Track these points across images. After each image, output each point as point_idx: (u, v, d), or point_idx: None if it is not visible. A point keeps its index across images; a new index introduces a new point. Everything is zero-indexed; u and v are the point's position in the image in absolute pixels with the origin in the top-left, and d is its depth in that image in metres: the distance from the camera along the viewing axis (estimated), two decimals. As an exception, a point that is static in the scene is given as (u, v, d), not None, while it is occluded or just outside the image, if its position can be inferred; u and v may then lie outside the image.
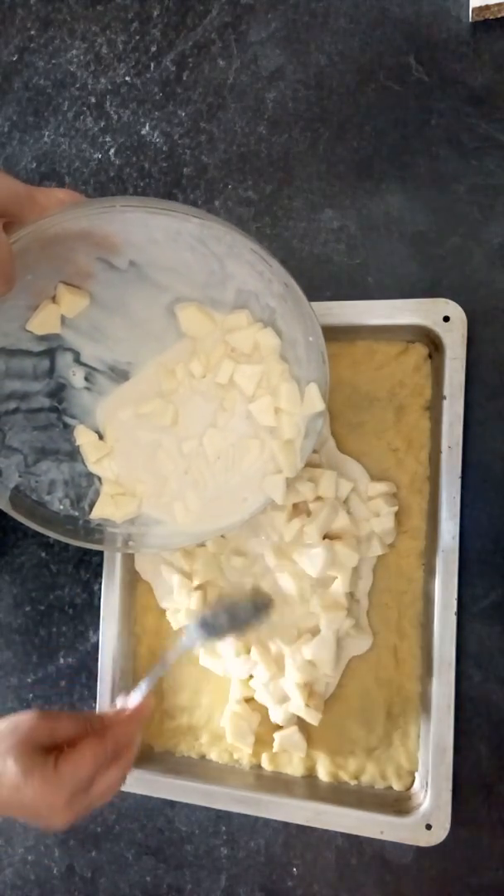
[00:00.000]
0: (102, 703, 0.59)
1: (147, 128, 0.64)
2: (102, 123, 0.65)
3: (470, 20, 0.55)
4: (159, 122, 0.63)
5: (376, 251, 0.57)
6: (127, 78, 0.64)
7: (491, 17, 0.55)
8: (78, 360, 0.52)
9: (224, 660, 0.58)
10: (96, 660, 0.60)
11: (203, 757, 0.60)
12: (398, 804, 0.54)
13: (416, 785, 0.55)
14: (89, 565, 0.64)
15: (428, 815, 0.51)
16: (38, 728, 0.44)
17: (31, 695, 0.65)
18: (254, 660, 0.56)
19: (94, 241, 0.45)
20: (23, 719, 0.44)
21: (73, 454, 0.54)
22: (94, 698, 0.60)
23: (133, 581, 0.61)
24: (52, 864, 0.64)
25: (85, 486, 0.54)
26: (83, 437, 0.53)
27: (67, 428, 0.53)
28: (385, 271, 0.57)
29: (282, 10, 0.60)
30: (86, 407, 0.53)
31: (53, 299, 0.48)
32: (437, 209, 0.56)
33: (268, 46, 0.60)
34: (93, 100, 0.65)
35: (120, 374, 0.53)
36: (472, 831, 0.54)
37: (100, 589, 0.61)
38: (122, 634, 0.60)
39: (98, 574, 0.62)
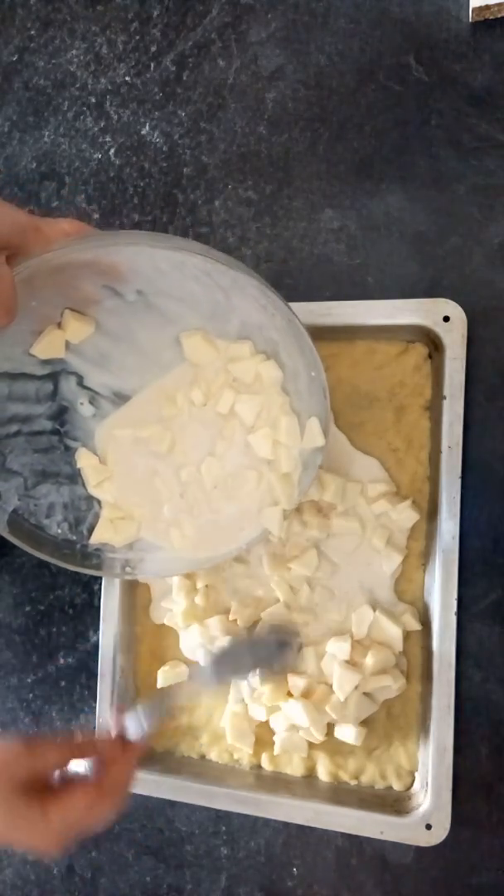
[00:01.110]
0: (102, 703, 0.59)
1: (147, 128, 0.64)
2: (102, 123, 0.65)
3: (470, 20, 0.55)
4: (159, 122, 0.63)
5: (376, 251, 0.57)
6: (127, 78, 0.64)
7: (491, 17, 0.55)
8: (81, 383, 0.52)
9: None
10: (96, 660, 0.60)
11: (203, 757, 0.60)
12: (398, 804, 0.54)
13: (416, 785, 0.55)
14: (89, 565, 0.64)
15: (428, 815, 0.51)
16: (20, 766, 0.42)
17: (31, 695, 0.65)
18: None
19: (100, 270, 0.45)
20: (2, 758, 0.42)
21: (74, 477, 0.53)
22: (94, 698, 0.60)
23: (133, 581, 0.61)
24: (52, 864, 0.64)
25: (84, 510, 0.54)
26: (84, 460, 0.53)
27: (69, 450, 0.53)
28: (385, 271, 0.57)
29: (282, 10, 0.60)
30: (88, 430, 0.53)
31: (59, 325, 0.48)
32: (437, 209, 0.56)
33: (268, 46, 0.60)
34: (93, 100, 0.65)
35: (124, 400, 0.53)
36: (472, 831, 0.54)
37: (100, 589, 0.61)
38: (122, 634, 0.60)
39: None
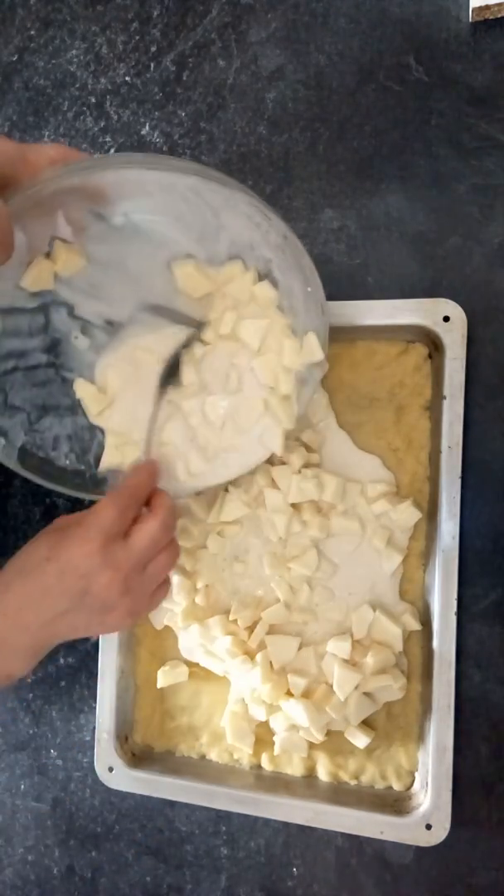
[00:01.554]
0: (102, 703, 0.59)
1: (147, 128, 0.64)
2: (102, 123, 0.65)
3: (470, 20, 0.55)
4: (159, 122, 0.63)
5: (376, 251, 0.57)
6: (127, 78, 0.64)
7: (491, 17, 0.55)
8: (72, 313, 0.51)
9: (224, 660, 0.58)
10: (96, 660, 0.60)
11: (203, 757, 0.60)
12: (398, 804, 0.54)
13: (416, 785, 0.55)
14: (89, 565, 0.64)
15: (428, 815, 0.51)
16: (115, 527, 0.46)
17: (31, 695, 0.65)
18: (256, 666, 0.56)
19: (86, 195, 0.45)
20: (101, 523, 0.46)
21: (74, 408, 0.53)
22: (94, 698, 0.60)
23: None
24: (52, 864, 0.64)
25: (88, 440, 0.54)
26: (82, 391, 0.53)
27: (66, 382, 0.53)
28: (385, 271, 0.57)
29: (282, 10, 0.60)
30: (83, 360, 0.53)
31: (47, 255, 0.48)
32: (437, 209, 0.56)
33: (268, 46, 0.60)
34: (93, 100, 0.65)
35: (116, 328, 0.52)
36: (472, 831, 0.54)
37: (100, 589, 0.61)
38: (122, 634, 0.60)
39: (98, 574, 0.62)
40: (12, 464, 0.51)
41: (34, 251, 0.47)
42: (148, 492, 0.50)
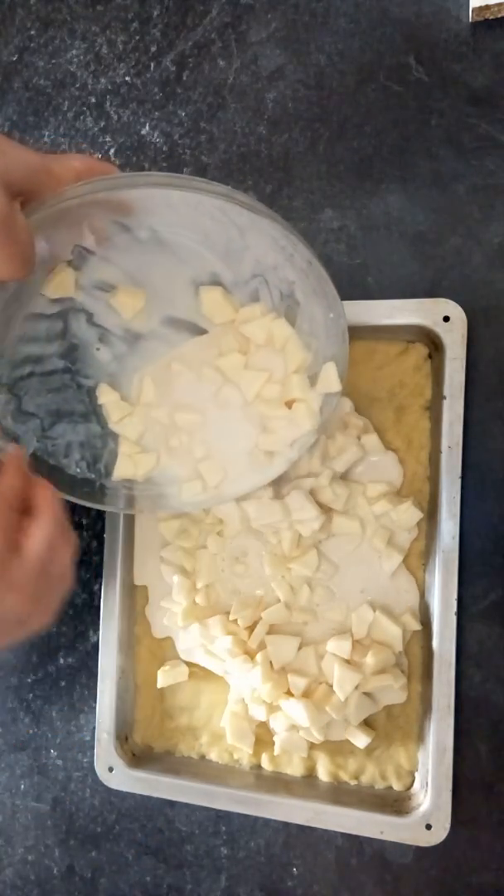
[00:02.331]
0: (102, 703, 0.59)
1: (147, 128, 0.64)
2: (102, 123, 0.65)
3: (470, 20, 0.55)
4: (159, 122, 0.63)
5: (376, 251, 0.57)
6: (127, 78, 0.64)
7: (491, 17, 0.55)
8: (91, 321, 0.51)
9: (224, 661, 0.58)
10: (96, 660, 0.60)
11: (203, 757, 0.60)
12: (398, 804, 0.54)
13: (416, 785, 0.55)
14: (89, 565, 0.64)
15: (428, 815, 0.51)
16: None
17: (31, 695, 0.65)
18: (256, 666, 0.56)
19: (111, 206, 0.44)
20: None
21: (88, 415, 0.53)
22: (94, 698, 0.60)
23: (133, 581, 0.61)
24: (52, 864, 0.64)
25: (100, 448, 0.53)
26: (105, 396, 0.52)
27: (81, 388, 0.53)
28: (385, 271, 0.57)
29: (282, 10, 0.60)
30: (100, 366, 0.52)
31: (69, 262, 0.47)
32: (437, 209, 0.56)
33: (268, 46, 0.60)
34: (93, 100, 0.65)
35: (135, 338, 0.52)
36: (472, 831, 0.54)
37: (100, 589, 0.61)
38: (122, 634, 0.60)
39: (98, 574, 0.62)
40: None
41: (56, 258, 0.47)
42: (23, 493, 0.45)
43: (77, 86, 0.66)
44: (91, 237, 0.46)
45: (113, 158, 0.64)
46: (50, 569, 0.44)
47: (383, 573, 0.56)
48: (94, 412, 0.53)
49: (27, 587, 0.42)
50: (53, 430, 0.52)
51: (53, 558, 0.44)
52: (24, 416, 0.51)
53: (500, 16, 0.54)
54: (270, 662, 0.56)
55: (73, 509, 0.64)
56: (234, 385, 0.52)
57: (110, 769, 0.59)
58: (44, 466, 0.52)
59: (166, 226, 0.46)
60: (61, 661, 0.65)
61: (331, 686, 0.55)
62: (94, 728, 0.61)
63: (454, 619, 0.52)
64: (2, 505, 0.43)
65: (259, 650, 0.56)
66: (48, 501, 0.45)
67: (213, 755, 0.59)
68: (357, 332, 0.56)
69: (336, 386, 0.50)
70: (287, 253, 0.46)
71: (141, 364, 0.53)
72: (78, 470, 0.53)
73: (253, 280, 0.49)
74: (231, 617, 0.57)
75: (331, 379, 0.50)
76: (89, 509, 0.63)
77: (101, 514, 0.63)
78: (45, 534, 0.43)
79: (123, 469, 0.53)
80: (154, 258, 0.48)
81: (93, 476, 0.53)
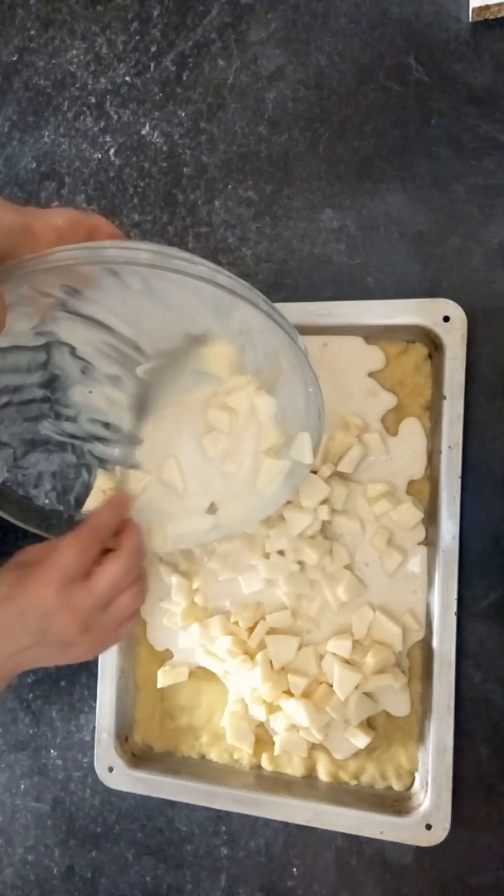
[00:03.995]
0: (102, 703, 0.59)
1: (147, 128, 0.64)
2: (102, 123, 0.65)
3: (470, 20, 0.55)
4: (159, 122, 0.63)
5: (376, 251, 0.57)
6: (127, 78, 0.64)
7: (491, 17, 0.55)
8: (74, 353, 0.50)
9: (224, 660, 0.58)
10: (96, 660, 0.60)
11: (203, 757, 0.60)
12: (398, 804, 0.54)
13: (416, 785, 0.55)
14: (89, 565, 0.64)
15: (428, 815, 0.51)
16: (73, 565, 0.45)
17: (31, 695, 0.65)
18: (256, 666, 0.56)
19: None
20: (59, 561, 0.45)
21: (64, 444, 0.53)
22: (94, 698, 0.60)
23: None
24: (52, 864, 0.64)
25: (72, 478, 0.53)
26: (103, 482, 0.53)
27: (59, 418, 0.52)
28: (385, 271, 0.57)
29: (282, 10, 0.60)
30: (78, 400, 0.52)
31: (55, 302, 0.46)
32: (437, 209, 0.56)
33: (268, 46, 0.60)
34: (93, 100, 0.65)
35: (117, 379, 0.52)
36: (472, 831, 0.54)
37: (100, 589, 0.61)
38: (122, 634, 0.60)
39: (98, 574, 0.62)
40: None
41: (42, 298, 0.46)
42: (113, 529, 0.48)
43: (77, 86, 0.66)
44: (79, 277, 0.45)
45: (113, 158, 0.64)
46: (110, 606, 0.46)
47: (384, 573, 0.56)
48: (69, 442, 0.52)
49: (81, 613, 0.44)
50: (25, 460, 0.51)
51: (116, 598, 0.46)
52: None
53: (500, 16, 0.54)
54: (270, 662, 0.56)
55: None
56: (215, 438, 0.52)
57: (110, 769, 0.59)
58: (10, 497, 0.51)
59: (158, 279, 0.44)
60: (61, 661, 0.65)
61: (331, 686, 0.55)
62: (94, 728, 0.60)
63: (454, 619, 0.52)
64: (91, 533, 0.46)
65: (259, 650, 0.56)
66: (130, 547, 0.47)
67: (213, 755, 0.59)
68: (357, 332, 0.56)
69: (308, 457, 0.50)
70: (271, 323, 0.45)
71: (130, 403, 0.52)
72: (47, 501, 0.52)
73: (240, 337, 0.49)
74: (232, 619, 0.57)
75: (304, 449, 0.50)
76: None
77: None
78: (116, 572, 0.45)
79: (94, 502, 0.53)
80: (145, 306, 0.47)
81: (61, 508, 0.53)
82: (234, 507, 0.53)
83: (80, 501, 0.53)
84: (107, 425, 0.54)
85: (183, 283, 0.44)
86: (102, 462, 0.54)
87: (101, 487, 0.53)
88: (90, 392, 0.51)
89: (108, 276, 0.44)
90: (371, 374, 0.56)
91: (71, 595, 0.44)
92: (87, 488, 0.53)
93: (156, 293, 0.46)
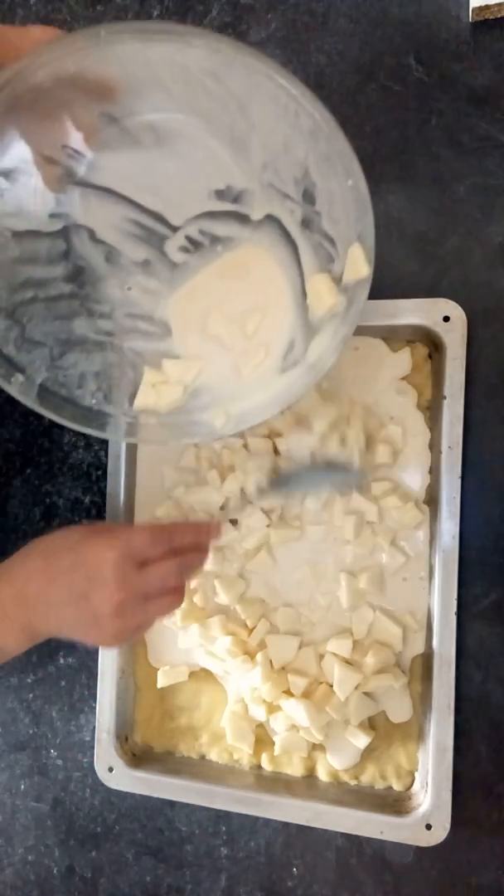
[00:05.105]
0: (102, 703, 0.59)
1: (147, 128, 0.64)
2: (102, 123, 0.65)
3: (470, 20, 0.55)
4: (159, 122, 0.63)
5: (376, 251, 0.57)
6: (127, 78, 0.64)
7: (491, 17, 0.55)
8: (94, 237, 0.48)
9: (224, 660, 0.58)
10: (96, 660, 0.60)
11: (203, 757, 0.60)
12: (398, 804, 0.54)
13: (416, 785, 0.55)
14: (89, 565, 0.64)
15: (428, 815, 0.51)
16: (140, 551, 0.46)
17: (31, 695, 0.65)
18: (256, 665, 0.56)
19: (90, 89, 0.40)
20: (131, 542, 0.46)
21: (103, 344, 0.50)
22: (94, 698, 0.60)
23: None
24: (52, 864, 0.64)
25: (118, 377, 0.51)
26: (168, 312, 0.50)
27: (92, 316, 0.50)
28: (385, 271, 0.57)
29: (282, 10, 0.60)
30: (112, 295, 0.49)
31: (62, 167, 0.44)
32: (437, 209, 0.56)
33: (268, 46, 0.60)
34: (93, 100, 0.65)
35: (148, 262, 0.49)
36: (472, 831, 0.54)
37: (100, 589, 0.61)
38: (122, 634, 0.60)
39: (98, 574, 0.62)
40: (31, 402, 0.46)
41: (41, 163, 0.43)
42: (189, 542, 0.49)
43: (77, 86, 0.66)
44: (78, 134, 0.42)
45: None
46: (148, 602, 0.46)
47: (384, 573, 0.56)
48: (108, 340, 0.50)
49: (123, 593, 0.44)
50: (64, 360, 0.49)
51: (153, 595, 0.46)
52: (29, 344, 0.47)
53: (500, 16, 0.54)
54: (270, 662, 0.56)
55: (75, 508, 0.64)
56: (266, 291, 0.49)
57: (110, 769, 0.59)
58: (55, 398, 0.48)
59: (163, 112, 0.41)
60: (61, 661, 0.65)
61: (331, 686, 0.55)
62: (94, 728, 0.60)
63: (454, 619, 0.52)
64: (167, 532, 0.47)
65: (259, 650, 0.56)
66: (191, 559, 0.48)
67: (213, 755, 0.59)
68: (357, 332, 0.56)
69: (364, 269, 0.44)
70: (291, 112, 0.41)
71: (165, 289, 0.50)
72: (94, 401, 0.49)
73: (265, 173, 0.44)
74: (242, 616, 0.57)
75: (357, 262, 0.44)
76: (89, 509, 0.64)
77: (101, 515, 0.63)
78: (168, 570, 0.46)
79: (145, 399, 0.50)
80: (159, 165, 0.43)
81: (110, 408, 0.50)
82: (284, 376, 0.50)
83: (131, 399, 0.51)
84: (145, 318, 0.51)
85: (189, 106, 0.40)
86: (146, 358, 0.52)
87: (150, 382, 0.51)
88: (129, 289, 0.49)
89: (113, 130, 0.41)
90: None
91: (123, 571, 0.44)
92: (135, 387, 0.51)
93: (165, 141, 0.43)
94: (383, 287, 0.57)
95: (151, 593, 0.46)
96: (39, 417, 0.60)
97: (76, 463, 0.64)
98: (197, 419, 0.51)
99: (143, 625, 0.49)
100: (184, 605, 0.58)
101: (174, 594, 0.48)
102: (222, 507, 0.57)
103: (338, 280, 0.46)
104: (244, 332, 0.50)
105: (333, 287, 0.46)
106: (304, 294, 0.48)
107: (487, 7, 0.54)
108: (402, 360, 0.56)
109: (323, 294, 0.46)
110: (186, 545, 0.48)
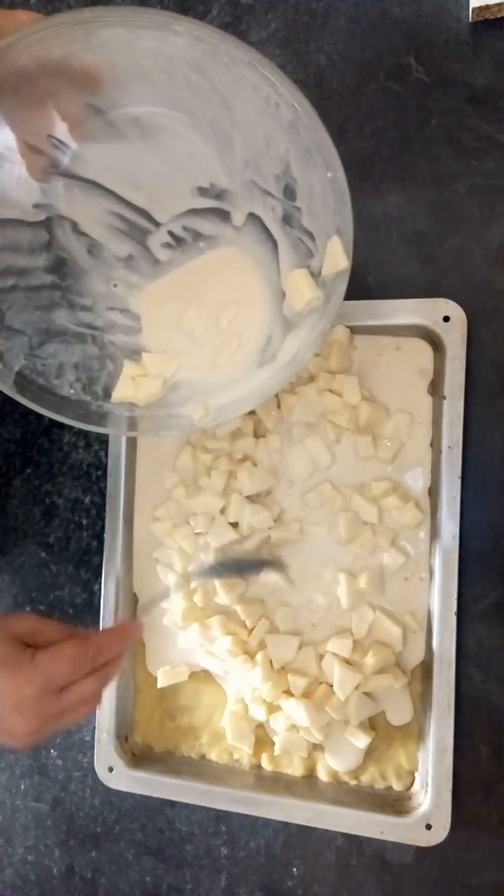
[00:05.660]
0: (102, 703, 0.59)
1: (147, 128, 0.64)
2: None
3: (470, 20, 0.55)
4: (159, 122, 0.63)
5: (376, 251, 0.57)
6: (127, 78, 0.64)
7: (491, 17, 0.55)
8: (76, 229, 0.48)
9: (224, 660, 0.58)
10: (96, 660, 0.60)
11: (203, 757, 0.60)
12: (398, 804, 0.54)
13: (416, 785, 0.55)
14: (89, 565, 0.64)
15: (428, 815, 0.51)
16: (24, 624, 0.44)
17: (31, 695, 0.65)
18: (256, 665, 0.56)
19: (75, 78, 0.40)
20: (12, 616, 0.44)
21: (83, 336, 0.50)
22: (94, 698, 0.60)
23: (132, 582, 0.61)
24: (52, 864, 0.64)
25: (97, 370, 0.51)
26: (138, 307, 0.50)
27: (73, 308, 0.50)
28: (385, 271, 0.57)
29: (282, 10, 0.60)
30: (90, 287, 0.50)
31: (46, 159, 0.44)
32: (437, 209, 0.56)
33: (268, 46, 0.60)
34: (93, 100, 0.65)
35: (130, 257, 0.50)
36: (472, 831, 0.54)
37: (100, 589, 0.61)
38: (122, 634, 0.60)
39: (98, 574, 0.62)
40: (7, 388, 0.47)
41: (26, 152, 0.43)
42: (114, 654, 0.47)
43: (77, 86, 0.66)
44: (63, 124, 0.42)
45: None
46: (65, 713, 0.44)
47: (384, 573, 0.56)
48: (89, 333, 0.50)
49: (40, 719, 0.43)
50: (43, 350, 0.49)
51: (75, 708, 0.44)
52: (7, 331, 0.47)
53: (500, 16, 0.54)
54: (270, 662, 0.56)
55: (75, 508, 0.64)
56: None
57: (110, 769, 0.59)
58: (32, 386, 0.48)
59: (147, 105, 0.41)
60: (61, 661, 0.65)
61: (331, 686, 0.55)
62: (93, 728, 0.60)
63: (454, 619, 0.52)
64: (87, 653, 0.44)
65: (259, 650, 0.56)
66: (107, 674, 0.46)
67: (213, 755, 0.59)
68: (357, 332, 0.56)
69: (343, 262, 0.44)
70: (272, 104, 0.41)
71: (147, 284, 0.50)
72: (72, 391, 0.50)
73: (247, 170, 0.44)
74: (242, 616, 0.57)
75: (336, 255, 0.44)
76: (89, 509, 0.64)
77: (101, 515, 0.63)
78: (86, 693, 0.44)
79: (123, 391, 0.51)
80: (143, 159, 0.44)
81: (88, 398, 0.50)
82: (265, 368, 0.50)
83: (107, 391, 0.51)
84: (124, 312, 0.51)
85: (173, 99, 0.40)
86: (126, 351, 0.52)
87: (130, 375, 0.51)
88: (115, 286, 0.49)
89: (98, 122, 0.41)
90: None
91: (43, 704, 0.42)
92: (114, 378, 0.51)
93: (150, 134, 0.42)
94: (383, 287, 0.57)
95: (69, 710, 0.44)
96: (39, 417, 0.60)
97: (76, 463, 0.64)
98: (176, 413, 0.51)
99: (57, 731, 0.46)
100: (184, 605, 0.58)
101: (91, 703, 0.46)
102: (222, 511, 0.57)
103: (316, 275, 0.46)
104: (218, 326, 0.51)
105: (312, 282, 0.46)
106: (282, 290, 0.49)
107: (487, 7, 0.54)
108: (423, 350, 0.56)
109: (302, 288, 0.46)
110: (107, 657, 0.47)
